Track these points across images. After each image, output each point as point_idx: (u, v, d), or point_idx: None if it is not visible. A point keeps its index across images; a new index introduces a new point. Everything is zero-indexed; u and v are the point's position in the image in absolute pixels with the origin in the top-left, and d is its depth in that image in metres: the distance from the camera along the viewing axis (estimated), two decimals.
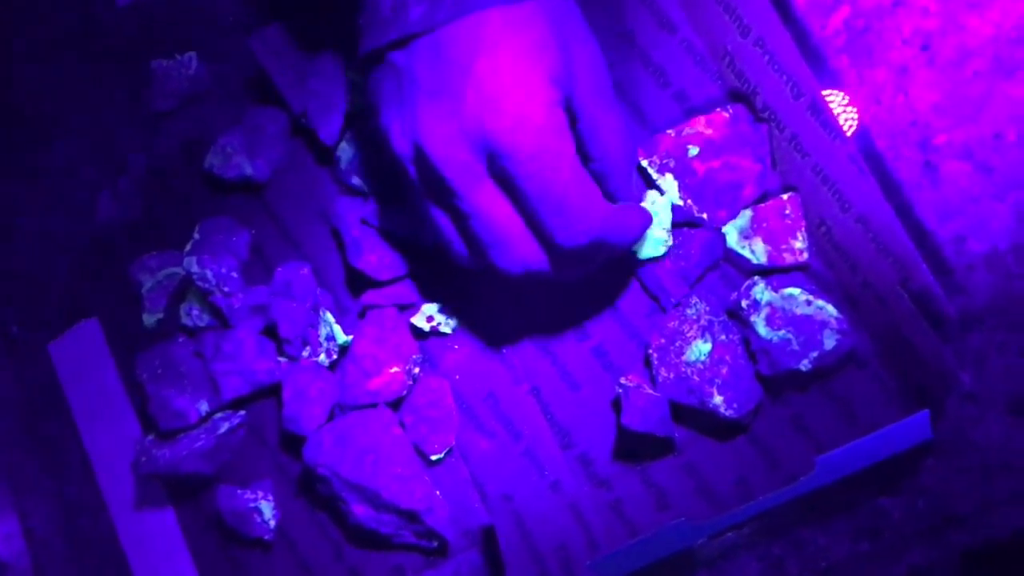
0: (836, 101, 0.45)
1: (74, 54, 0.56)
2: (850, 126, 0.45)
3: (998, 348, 0.43)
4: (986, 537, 0.42)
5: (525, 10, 0.37)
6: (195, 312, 0.49)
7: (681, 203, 0.45)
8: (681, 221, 0.45)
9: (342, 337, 0.48)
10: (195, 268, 0.48)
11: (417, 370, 0.47)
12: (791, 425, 0.43)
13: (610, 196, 0.42)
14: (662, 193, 0.45)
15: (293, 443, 0.48)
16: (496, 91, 0.37)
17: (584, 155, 0.41)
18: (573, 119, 0.40)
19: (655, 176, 0.45)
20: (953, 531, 0.42)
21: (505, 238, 0.39)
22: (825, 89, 0.46)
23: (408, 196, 0.43)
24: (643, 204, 0.45)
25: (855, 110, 0.45)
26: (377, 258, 0.47)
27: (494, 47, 0.37)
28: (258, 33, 0.50)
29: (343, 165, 0.49)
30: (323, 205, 0.51)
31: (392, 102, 0.40)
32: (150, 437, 0.49)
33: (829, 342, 0.42)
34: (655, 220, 0.44)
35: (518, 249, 0.40)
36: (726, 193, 0.44)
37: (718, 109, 0.45)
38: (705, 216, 0.45)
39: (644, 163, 0.45)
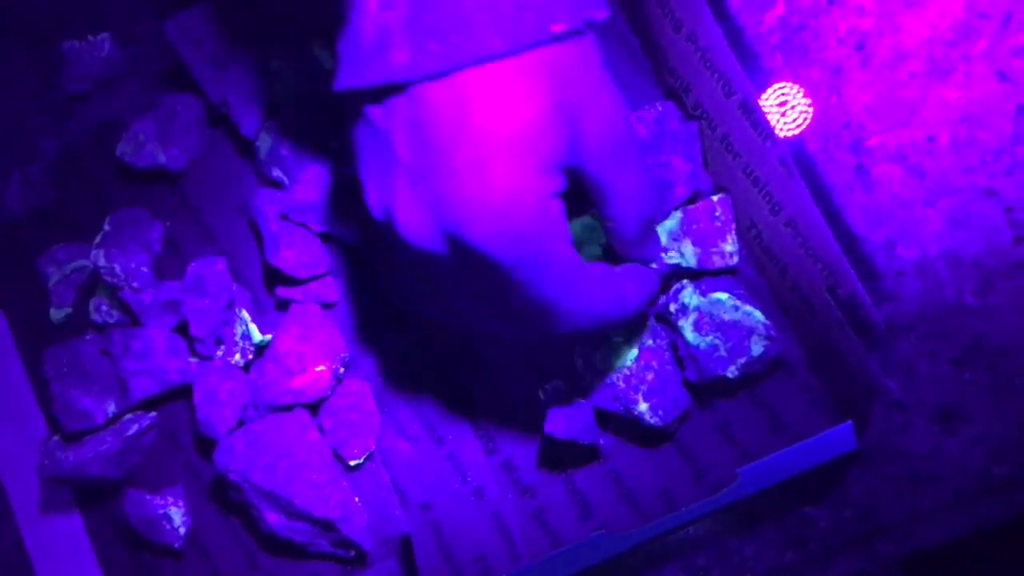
0: (789, 93, 0.44)
1: None
2: (804, 119, 0.44)
3: (927, 356, 0.42)
4: (913, 547, 0.41)
5: (521, 67, 0.32)
6: (104, 308, 0.47)
7: None
8: None
9: (258, 336, 0.46)
10: (103, 262, 0.46)
11: (343, 369, 0.45)
12: (717, 433, 0.42)
13: (624, 250, 0.39)
14: None
15: (207, 447, 0.46)
16: (476, 186, 0.31)
17: (599, 212, 0.37)
18: (583, 181, 0.35)
19: None
20: (880, 541, 0.42)
21: (483, 326, 0.36)
22: (762, 89, 0.45)
23: (379, 246, 0.39)
24: (583, 216, 0.43)
25: (809, 102, 0.44)
26: (295, 254, 0.45)
27: (479, 124, 0.31)
28: (174, 18, 0.47)
29: (263, 156, 0.47)
30: (243, 197, 0.48)
31: (370, 162, 0.34)
32: (55, 438, 0.47)
33: (757, 348, 0.41)
34: (593, 236, 0.43)
35: (499, 333, 0.36)
36: None
37: (647, 106, 0.44)
38: None
39: None
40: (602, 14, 0.33)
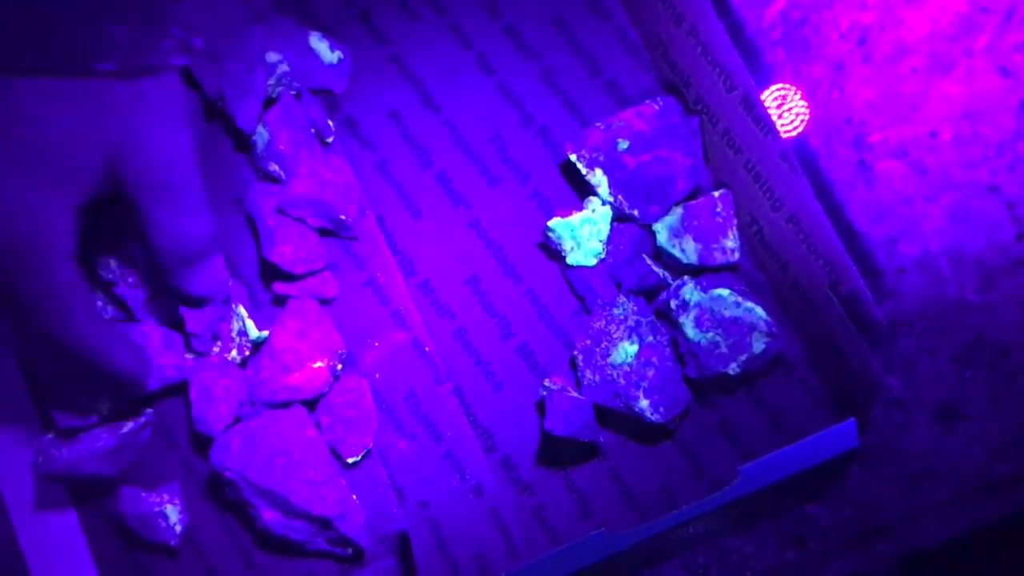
0: (787, 95, 0.44)
1: None
2: (801, 120, 0.44)
3: (928, 353, 0.42)
4: (913, 546, 0.41)
5: (56, 89, 0.35)
6: (98, 303, 0.47)
7: (611, 199, 0.43)
8: (612, 217, 0.44)
9: (255, 332, 0.46)
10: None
11: (341, 366, 0.45)
12: (717, 430, 0.42)
13: (162, 277, 0.42)
14: (604, 203, 0.43)
15: (203, 444, 0.46)
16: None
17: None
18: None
19: (584, 171, 0.43)
20: (880, 540, 0.42)
21: None
22: (764, 84, 0.44)
23: None
24: (583, 212, 0.43)
25: (806, 105, 0.44)
26: (292, 250, 0.45)
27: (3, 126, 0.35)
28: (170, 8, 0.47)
29: (260, 150, 0.47)
30: (239, 192, 0.48)
31: None
32: (49, 435, 0.47)
33: (758, 345, 0.40)
34: (593, 230, 0.42)
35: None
36: (657, 188, 0.43)
37: (648, 101, 0.43)
38: (636, 212, 0.43)
39: (573, 158, 0.43)
40: (178, 60, 0.37)
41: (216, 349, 0.45)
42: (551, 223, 0.42)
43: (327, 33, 0.48)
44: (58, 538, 0.48)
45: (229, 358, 0.45)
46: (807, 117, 0.44)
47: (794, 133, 0.44)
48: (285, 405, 0.45)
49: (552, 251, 0.44)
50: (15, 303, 0.37)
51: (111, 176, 0.37)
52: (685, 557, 0.43)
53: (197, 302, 0.43)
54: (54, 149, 0.35)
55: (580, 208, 0.43)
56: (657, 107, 0.43)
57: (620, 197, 0.43)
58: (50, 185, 0.35)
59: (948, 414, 0.41)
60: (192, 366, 0.45)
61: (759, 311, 0.41)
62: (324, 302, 0.46)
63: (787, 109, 0.44)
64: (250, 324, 0.46)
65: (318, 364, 0.44)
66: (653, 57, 0.45)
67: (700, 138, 0.43)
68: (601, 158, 0.43)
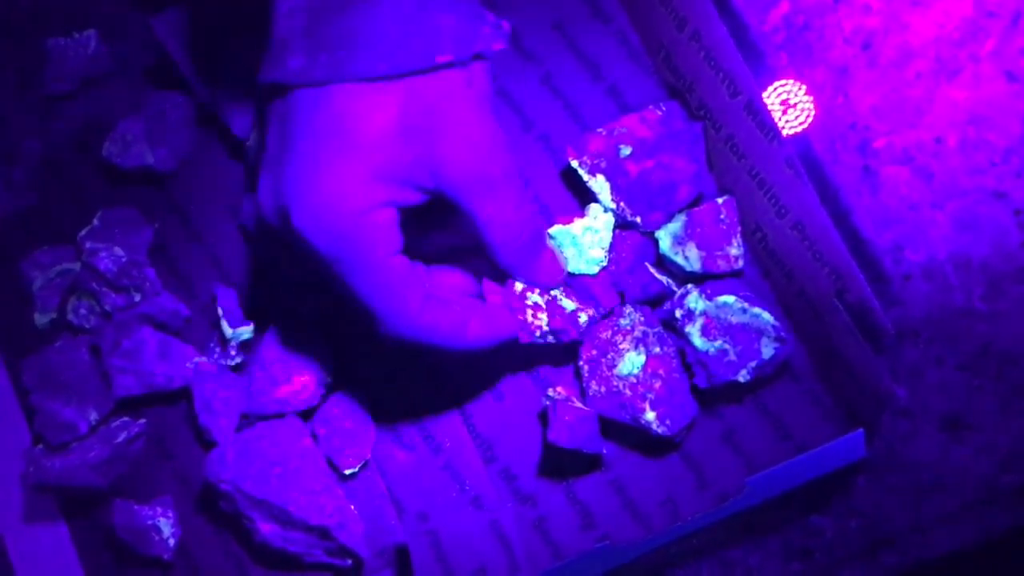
0: (792, 91, 0.43)
1: None
2: (807, 116, 0.43)
3: (934, 362, 0.41)
4: (919, 558, 0.41)
5: (389, 88, 0.34)
6: (83, 311, 0.46)
7: (613, 205, 0.42)
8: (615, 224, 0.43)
9: (246, 335, 0.45)
10: (86, 259, 0.44)
11: (330, 379, 0.44)
12: (723, 441, 0.42)
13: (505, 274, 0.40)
14: (606, 210, 0.42)
15: (197, 455, 0.45)
16: (308, 177, 0.34)
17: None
18: (453, 205, 0.37)
19: (586, 177, 0.43)
20: (886, 551, 0.41)
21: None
22: (765, 88, 0.44)
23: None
24: (585, 219, 0.42)
25: (811, 100, 0.43)
26: None
27: (329, 127, 0.34)
28: (163, 14, 0.46)
29: (255, 156, 0.46)
30: (232, 199, 0.47)
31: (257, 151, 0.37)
32: (40, 446, 0.46)
33: (767, 351, 0.40)
34: (595, 238, 0.42)
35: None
36: (660, 195, 0.42)
37: (651, 106, 0.43)
38: (639, 219, 0.43)
39: (575, 163, 0.43)
40: (498, 45, 0.36)
41: (210, 357, 0.45)
42: (552, 230, 0.42)
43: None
44: (48, 551, 0.47)
45: (223, 364, 0.45)
46: (813, 113, 0.43)
47: (799, 129, 0.43)
48: (278, 416, 0.44)
49: None
50: (356, 305, 0.36)
51: (435, 175, 0.35)
52: (689, 570, 0.42)
53: (545, 290, 0.41)
54: (374, 145, 0.34)
55: (581, 215, 0.42)
56: (660, 112, 0.42)
57: (622, 204, 0.42)
58: (372, 182, 0.34)
59: (955, 424, 0.41)
60: (193, 377, 0.44)
61: (766, 315, 0.40)
62: None
63: (792, 105, 0.44)
64: (243, 330, 0.45)
65: (304, 377, 0.43)
66: (655, 62, 0.44)
67: (704, 144, 0.42)
68: (603, 164, 0.42)
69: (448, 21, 0.34)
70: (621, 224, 0.43)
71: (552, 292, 0.41)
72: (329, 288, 0.36)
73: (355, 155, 0.34)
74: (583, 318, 0.41)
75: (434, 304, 0.37)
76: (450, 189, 0.36)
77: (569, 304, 0.40)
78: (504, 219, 0.37)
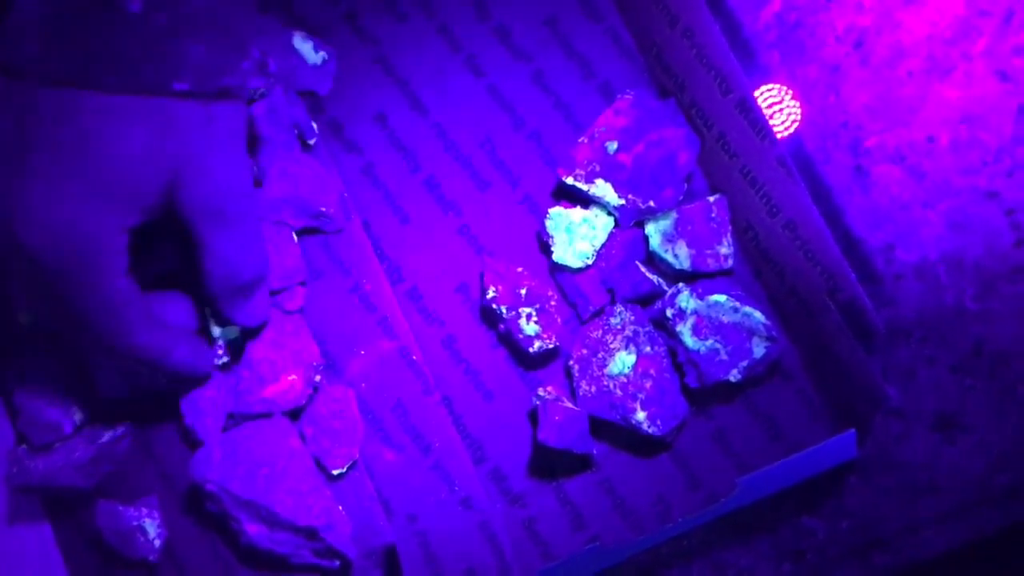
0: (779, 95, 0.43)
1: None
2: (793, 121, 0.43)
3: (926, 362, 0.41)
4: (912, 558, 0.40)
5: (129, 107, 0.34)
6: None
7: (623, 201, 0.42)
8: (633, 223, 0.43)
9: (233, 334, 0.44)
10: None
11: (318, 378, 0.44)
12: (714, 441, 0.41)
13: (210, 304, 0.41)
14: (610, 213, 0.42)
15: (183, 456, 0.44)
16: (40, 194, 0.34)
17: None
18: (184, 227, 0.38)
19: (586, 188, 0.42)
20: (878, 552, 0.41)
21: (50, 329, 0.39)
22: (757, 86, 0.44)
23: None
24: (588, 212, 0.42)
25: (798, 104, 0.43)
26: (273, 259, 0.44)
27: (68, 140, 0.33)
28: None
29: None
30: None
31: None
32: (24, 446, 0.45)
33: (758, 350, 0.40)
34: (589, 233, 0.41)
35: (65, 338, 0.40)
36: (662, 170, 0.42)
37: (618, 96, 0.43)
38: (652, 203, 0.42)
39: (570, 181, 0.42)
40: (256, 84, 0.36)
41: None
42: (553, 210, 0.41)
43: (312, 33, 0.46)
44: (32, 553, 0.47)
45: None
46: (799, 118, 0.43)
47: (786, 134, 0.43)
48: (265, 416, 0.44)
49: (543, 243, 0.43)
50: (73, 319, 0.36)
51: (169, 199, 0.36)
52: (680, 571, 0.42)
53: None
54: (115, 168, 0.34)
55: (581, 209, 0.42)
56: (630, 96, 0.42)
57: (631, 196, 0.42)
58: (108, 204, 0.35)
59: (947, 424, 0.41)
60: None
61: (757, 315, 0.40)
62: (287, 313, 0.45)
63: (779, 110, 0.44)
64: (229, 329, 0.44)
65: (292, 377, 0.43)
66: (647, 60, 0.44)
67: (682, 113, 0.42)
68: (597, 168, 0.42)
69: (197, 51, 0.34)
70: (639, 222, 0.43)
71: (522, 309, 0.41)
72: (43, 293, 0.36)
73: (96, 178, 0.34)
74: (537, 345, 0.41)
75: (149, 326, 0.38)
76: (182, 216, 0.36)
77: (531, 328, 0.41)
78: (226, 256, 0.38)
